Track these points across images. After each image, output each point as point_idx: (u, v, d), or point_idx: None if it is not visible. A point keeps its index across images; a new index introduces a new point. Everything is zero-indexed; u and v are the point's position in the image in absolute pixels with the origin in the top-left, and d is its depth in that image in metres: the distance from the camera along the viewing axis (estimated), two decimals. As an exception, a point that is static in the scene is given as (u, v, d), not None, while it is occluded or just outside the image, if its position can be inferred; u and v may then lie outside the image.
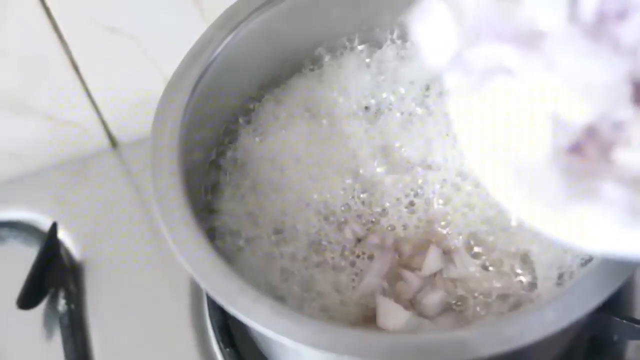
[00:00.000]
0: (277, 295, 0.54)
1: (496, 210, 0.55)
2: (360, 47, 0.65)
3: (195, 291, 0.69)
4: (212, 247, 0.49)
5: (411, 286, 0.55)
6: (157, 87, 0.74)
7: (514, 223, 0.55)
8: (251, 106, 0.63)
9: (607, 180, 0.39)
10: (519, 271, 0.54)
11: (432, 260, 0.56)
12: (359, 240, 0.58)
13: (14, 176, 0.79)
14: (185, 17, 0.71)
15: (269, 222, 0.59)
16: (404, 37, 0.64)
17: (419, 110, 0.62)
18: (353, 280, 0.57)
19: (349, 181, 0.60)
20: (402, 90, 0.63)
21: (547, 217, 0.40)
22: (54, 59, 0.72)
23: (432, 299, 0.54)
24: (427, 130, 0.61)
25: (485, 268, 0.55)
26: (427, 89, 0.63)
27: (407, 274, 0.55)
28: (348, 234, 0.58)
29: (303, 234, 0.59)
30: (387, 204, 0.60)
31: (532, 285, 0.54)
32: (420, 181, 0.60)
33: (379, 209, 0.60)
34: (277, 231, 0.59)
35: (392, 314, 0.53)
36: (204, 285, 0.47)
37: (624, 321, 0.53)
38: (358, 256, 0.58)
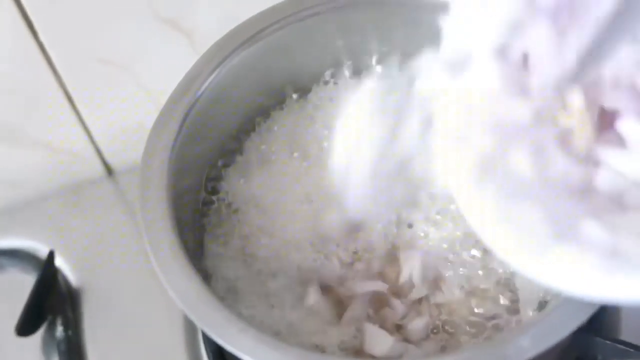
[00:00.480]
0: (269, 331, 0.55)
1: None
2: (347, 76, 0.66)
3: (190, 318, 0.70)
4: (200, 278, 0.50)
5: (397, 312, 0.56)
6: (150, 115, 0.75)
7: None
8: (237, 141, 0.65)
9: (588, 219, 0.40)
10: (502, 296, 0.55)
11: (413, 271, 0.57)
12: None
13: (11, 204, 0.81)
14: (177, 48, 0.73)
15: (259, 265, 0.60)
16: (387, 67, 0.65)
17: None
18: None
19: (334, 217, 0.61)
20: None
21: (528, 257, 0.40)
22: (48, 91, 0.73)
23: (417, 324, 0.55)
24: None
25: (470, 294, 0.56)
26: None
27: (393, 300, 0.56)
28: (334, 261, 0.59)
29: (292, 276, 0.59)
30: (374, 239, 0.60)
31: (515, 310, 0.54)
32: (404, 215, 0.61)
33: (364, 243, 0.60)
34: (267, 274, 0.59)
35: (378, 340, 0.54)
36: (191, 316, 0.48)
37: (608, 342, 0.54)
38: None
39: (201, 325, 0.48)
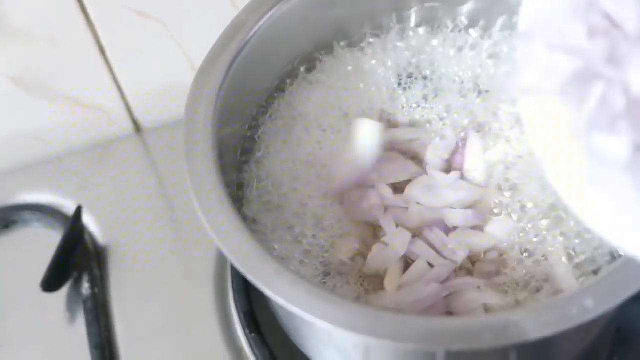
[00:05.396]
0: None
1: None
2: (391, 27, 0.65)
3: (220, 276, 0.69)
4: (248, 230, 0.49)
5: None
6: (183, 73, 0.75)
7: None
8: (283, 89, 0.64)
9: None
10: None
11: None
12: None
13: (37, 159, 0.79)
14: (215, 4, 0.71)
15: (294, 210, 0.59)
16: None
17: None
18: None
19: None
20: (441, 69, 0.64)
21: (617, 223, 0.40)
22: (81, 42, 0.72)
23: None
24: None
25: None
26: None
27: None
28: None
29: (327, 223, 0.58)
30: None
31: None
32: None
33: None
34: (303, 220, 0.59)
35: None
36: (241, 268, 0.47)
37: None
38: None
39: (251, 277, 0.46)
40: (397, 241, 0.56)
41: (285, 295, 0.46)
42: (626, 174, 0.39)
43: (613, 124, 0.39)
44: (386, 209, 0.58)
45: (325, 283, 0.55)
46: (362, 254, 0.57)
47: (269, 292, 0.46)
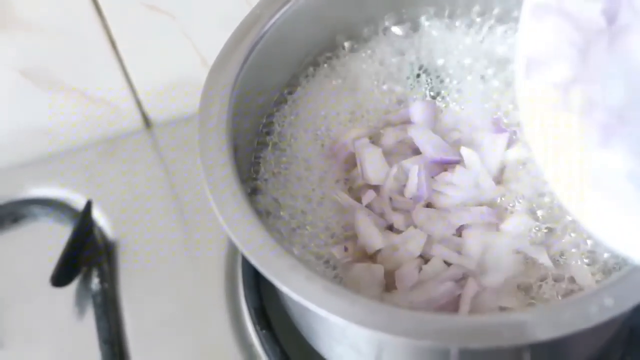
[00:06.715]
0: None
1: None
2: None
3: (230, 272, 0.69)
4: (264, 225, 0.48)
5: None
6: (193, 67, 0.75)
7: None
8: (295, 84, 0.64)
9: None
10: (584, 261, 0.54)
11: None
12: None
13: (46, 154, 0.79)
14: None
15: (303, 209, 0.59)
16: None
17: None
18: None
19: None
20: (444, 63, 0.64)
21: (619, 228, 0.39)
22: (92, 36, 0.71)
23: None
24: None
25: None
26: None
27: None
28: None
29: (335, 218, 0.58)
30: None
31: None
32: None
33: None
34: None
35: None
36: (255, 263, 0.47)
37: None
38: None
39: (266, 273, 0.46)
40: (412, 241, 0.55)
41: (301, 291, 0.45)
42: (629, 180, 0.39)
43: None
44: (398, 208, 0.58)
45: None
46: (370, 256, 0.56)
47: (284, 288, 0.46)
